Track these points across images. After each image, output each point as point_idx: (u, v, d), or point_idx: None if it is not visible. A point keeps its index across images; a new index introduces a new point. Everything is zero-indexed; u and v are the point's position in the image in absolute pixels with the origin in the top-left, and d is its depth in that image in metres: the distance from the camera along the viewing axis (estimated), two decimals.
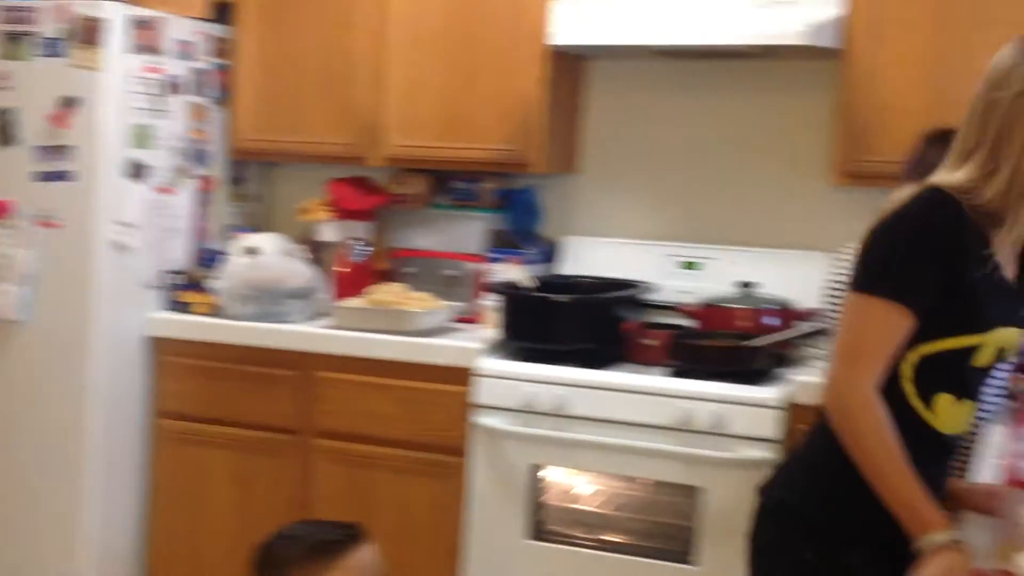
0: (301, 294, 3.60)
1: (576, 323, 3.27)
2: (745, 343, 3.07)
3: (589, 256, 3.66)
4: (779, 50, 3.26)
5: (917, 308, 1.72)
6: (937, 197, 1.74)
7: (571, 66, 3.69)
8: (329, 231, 3.82)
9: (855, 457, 1.76)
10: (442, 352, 3.31)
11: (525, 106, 3.49)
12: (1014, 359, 1.96)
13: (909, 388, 1.80)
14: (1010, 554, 1.43)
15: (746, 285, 3.32)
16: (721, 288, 3.38)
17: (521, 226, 3.79)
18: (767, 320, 3.21)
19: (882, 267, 1.75)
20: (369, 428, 3.35)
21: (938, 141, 2.58)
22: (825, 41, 3.14)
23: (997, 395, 2.48)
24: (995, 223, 1.75)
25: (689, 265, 3.54)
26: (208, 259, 3.70)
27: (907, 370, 1.78)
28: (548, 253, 3.74)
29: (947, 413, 1.82)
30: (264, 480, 3.48)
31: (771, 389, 2.98)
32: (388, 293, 3.53)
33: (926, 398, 1.80)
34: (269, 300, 3.54)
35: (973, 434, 1.94)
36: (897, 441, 1.74)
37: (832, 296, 3.01)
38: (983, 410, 2.42)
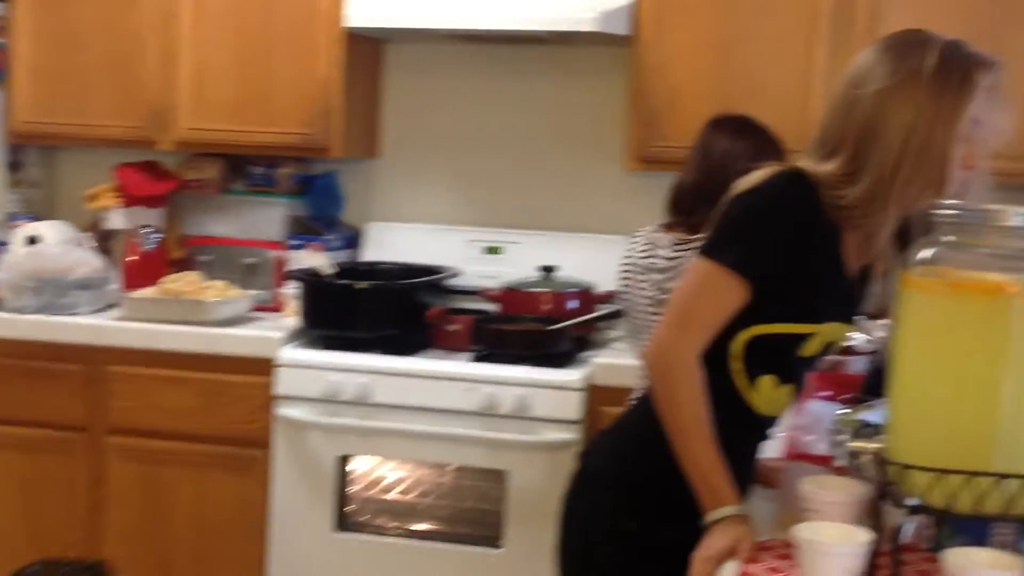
0: (89, 285, 3.43)
1: (379, 310, 3.25)
2: (547, 327, 3.13)
3: (392, 242, 3.64)
4: (573, 36, 3.33)
5: (755, 283, 1.72)
6: (797, 179, 1.74)
7: (369, 49, 3.65)
8: (118, 218, 3.66)
9: (664, 419, 1.76)
10: (241, 342, 3.23)
11: (322, 89, 3.43)
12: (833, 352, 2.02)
13: (736, 365, 1.81)
14: (789, 525, 1.51)
15: (547, 269, 3.38)
16: (523, 272, 3.43)
17: (322, 212, 3.73)
18: (568, 303, 3.28)
19: (729, 237, 1.75)
20: (165, 423, 3.24)
21: (721, 127, 2.68)
22: (616, 28, 3.21)
23: None
24: (848, 223, 1.76)
25: (491, 250, 3.57)
26: None
27: (737, 348, 1.79)
28: (350, 239, 3.70)
29: (768, 395, 1.85)
30: (53, 482, 3.32)
31: (573, 371, 3.05)
32: (182, 282, 3.41)
33: (750, 377, 1.82)
34: (54, 292, 3.36)
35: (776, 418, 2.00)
36: (708, 414, 1.74)
37: (626, 278, 3.09)
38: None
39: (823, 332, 1.81)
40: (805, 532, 1.44)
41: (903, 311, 1.45)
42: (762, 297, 1.74)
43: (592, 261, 3.44)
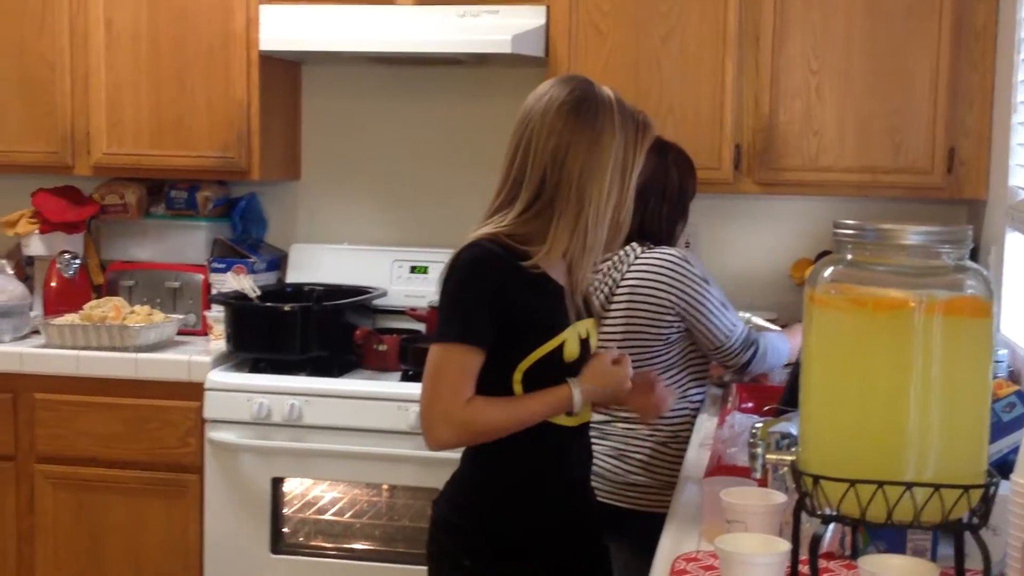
0: (9, 312, 3.40)
1: (306, 332, 3.27)
2: None
3: (316, 263, 3.67)
4: (489, 58, 3.39)
5: (482, 343, 1.96)
6: (478, 253, 1.98)
7: (286, 71, 3.67)
8: (37, 244, 3.63)
9: (498, 436, 1.98)
10: (168, 367, 3.23)
11: (239, 112, 3.44)
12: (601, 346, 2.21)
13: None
14: (713, 536, 1.59)
15: None
16: None
17: (245, 234, 3.74)
18: None
19: (448, 318, 1.98)
20: (95, 450, 3.24)
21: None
22: (530, 50, 3.28)
23: (701, 387, 2.71)
24: (540, 244, 1.99)
25: (416, 269, 3.62)
26: None
27: (518, 387, 2.00)
28: (274, 261, 3.72)
29: None
30: None
31: None
32: (106, 308, 3.40)
33: None
34: None
35: (588, 424, 2.17)
36: (493, 400, 1.97)
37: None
38: (692, 400, 2.66)
39: (569, 335, 2.03)
40: (726, 544, 1.51)
41: (809, 327, 1.53)
42: (505, 342, 1.97)
43: None
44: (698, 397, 2.70)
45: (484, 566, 2.00)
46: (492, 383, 1.98)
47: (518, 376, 1.99)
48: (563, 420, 2.05)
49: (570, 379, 2.02)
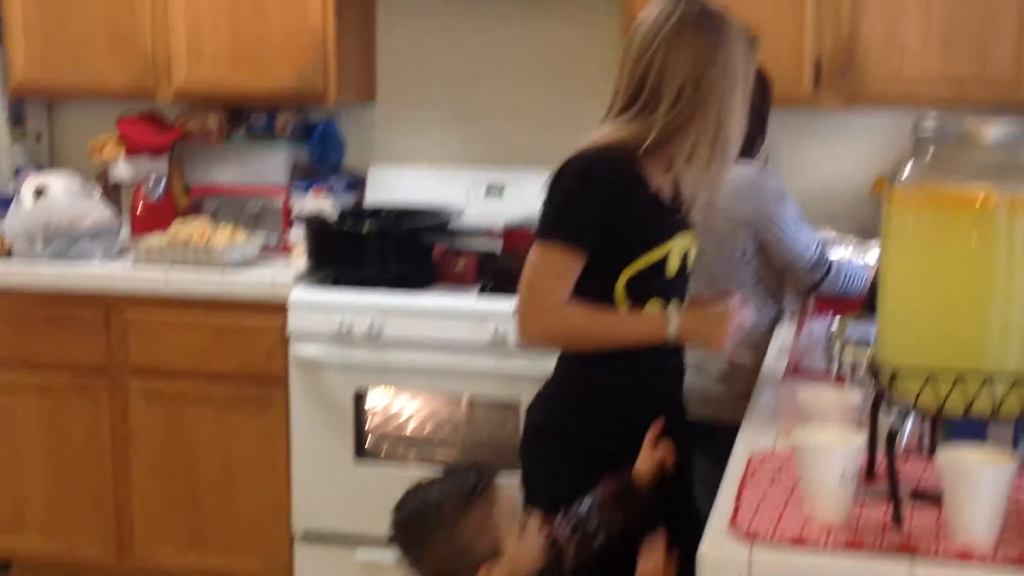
0: (99, 234, 3.51)
1: (384, 252, 3.31)
2: None
3: (394, 184, 3.71)
4: None
5: (585, 247, 2.00)
6: (595, 158, 2.02)
7: None
8: (123, 169, 3.73)
9: (584, 349, 2.05)
10: (253, 285, 3.32)
11: (316, 37, 3.48)
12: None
13: (624, 308, 2.06)
14: (791, 432, 1.61)
15: None
16: (525, 210, 3.49)
17: (324, 157, 3.79)
18: None
19: (553, 219, 2.03)
20: (185, 364, 3.34)
21: None
22: None
23: (775, 303, 2.71)
24: (651, 156, 2.04)
25: (493, 189, 3.64)
26: None
27: (620, 295, 2.04)
28: (353, 183, 3.77)
29: None
30: (79, 422, 3.43)
31: None
32: (191, 229, 3.49)
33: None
34: (65, 241, 3.44)
35: None
36: (589, 309, 2.02)
37: None
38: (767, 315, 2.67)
39: (673, 248, 2.08)
40: (802, 437, 1.54)
41: (890, 225, 1.54)
42: (609, 248, 2.02)
43: None
44: (773, 312, 2.71)
45: (581, 474, 2.01)
46: (594, 290, 2.02)
47: (621, 284, 2.04)
48: None
49: (671, 312, 2.06)
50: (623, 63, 2.07)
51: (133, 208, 3.71)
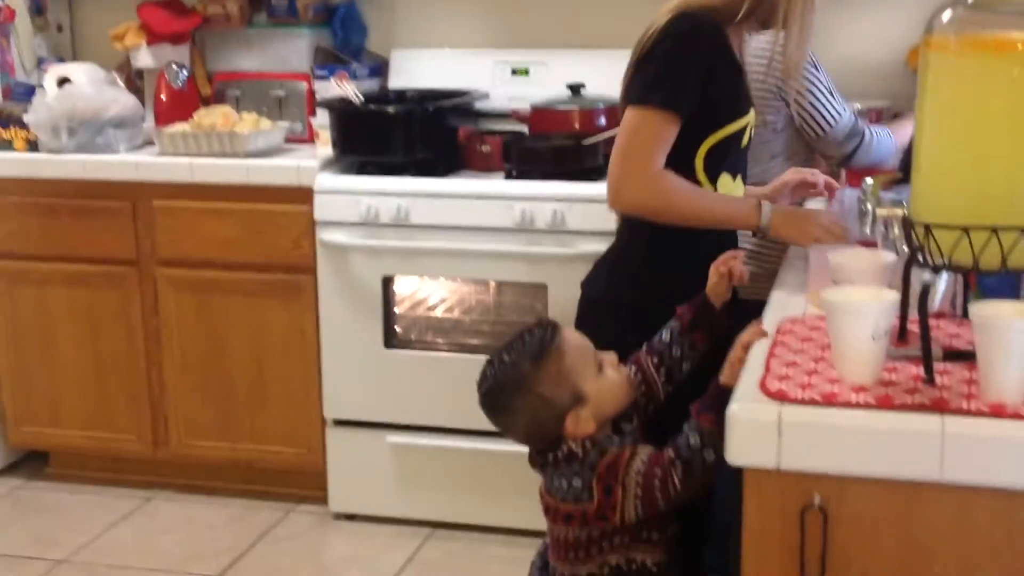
0: (123, 123, 3.48)
1: (409, 134, 3.27)
2: (577, 142, 3.16)
3: (417, 68, 3.65)
4: None
5: (683, 113, 1.99)
6: (695, 22, 2.01)
7: None
8: (145, 57, 3.69)
9: (675, 220, 2.04)
10: (278, 172, 3.29)
11: None
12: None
13: (703, 177, 2.09)
14: (819, 295, 1.58)
15: (575, 88, 3.38)
16: (551, 92, 3.44)
17: (346, 41, 3.73)
18: (598, 120, 3.29)
19: (653, 82, 2.00)
20: (213, 253, 3.33)
21: None
22: None
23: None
24: (735, 26, 2.07)
25: (518, 71, 3.58)
26: (21, 93, 3.53)
27: (699, 163, 2.06)
28: (376, 68, 3.71)
29: (729, 191, 2.14)
30: (110, 314, 3.45)
31: (603, 184, 3.07)
32: (215, 116, 3.45)
33: (713, 182, 2.11)
34: (89, 131, 3.42)
35: None
36: (689, 184, 2.04)
37: None
38: None
39: (749, 120, 2.11)
40: (833, 295, 1.51)
41: (925, 74, 1.48)
42: (701, 115, 2.01)
43: (619, 78, 3.42)
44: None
45: (645, 337, 2.01)
46: (674, 157, 2.02)
47: (703, 152, 2.05)
48: None
49: (765, 203, 2.08)
50: None
51: (156, 96, 3.67)
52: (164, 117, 3.60)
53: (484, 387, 1.84)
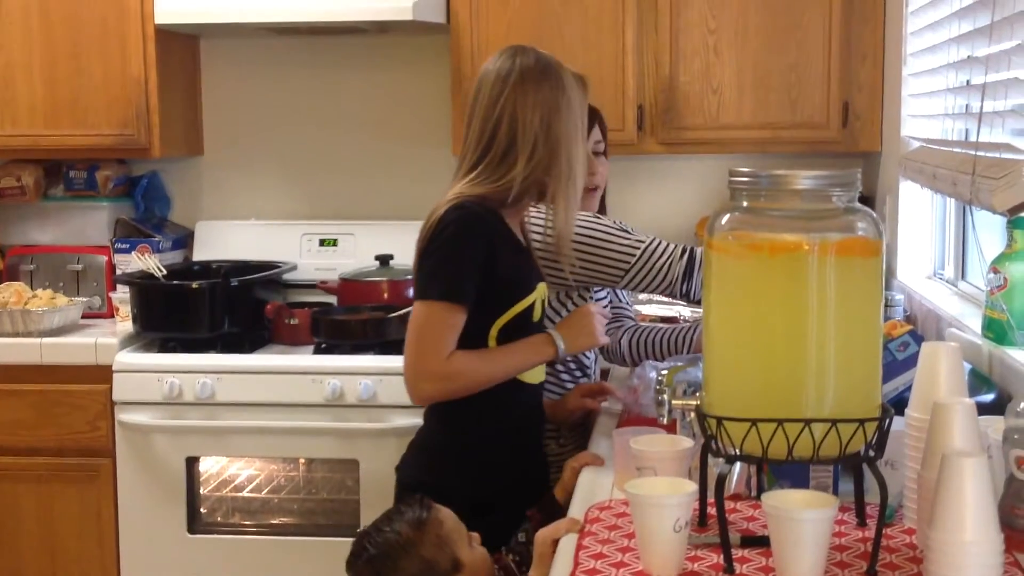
0: None
1: (214, 309, 3.22)
2: (387, 315, 3.17)
3: (223, 240, 3.62)
4: (390, 25, 3.37)
5: (465, 302, 2.05)
6: (468, 213, 2.06)
7: (183, 45, 3.61)
8: None
9: (481, 388, 2.10)
10: (75, 351, 3.17)
11: (137, 88, 3.38)
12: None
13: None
14: (625, 483, 1.61)
15: (383, 259, 3.41)
16: (359, 263, 3.46)
17: (148, 214, 3.67)
18: (406, 291, 3.32)
19: (433, 276, 2.07)
20: (3, 438, 3.16)
21: None
22: (431, 16, 3.26)
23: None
24: (511, 209, 2.13)
25: (326, 242, 3.59)
26: None
27: (492, 342, 2.11)
28: (180, 240, 3.66)
29: None
30: None
31: None
32: (7, 293, 3.32)
33: None
34: None
35: (544, 383, 2.29)
36: (475, 352, 2.09)
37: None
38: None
39: (537, 295, 2.17)
40: (636, 488, 1.54)
41: (709, 274, 1.56)
42: (486, 300, 2.07)
43: None
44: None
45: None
46: (468, 340, 2.07)
47: (494, 332, 2.11)
48: (526, 377, 2.17)
49: (548, 328, 2.18)
50: (469, 123, 2.14)
51: None
52: None
53: (365, 556, 1.86)
